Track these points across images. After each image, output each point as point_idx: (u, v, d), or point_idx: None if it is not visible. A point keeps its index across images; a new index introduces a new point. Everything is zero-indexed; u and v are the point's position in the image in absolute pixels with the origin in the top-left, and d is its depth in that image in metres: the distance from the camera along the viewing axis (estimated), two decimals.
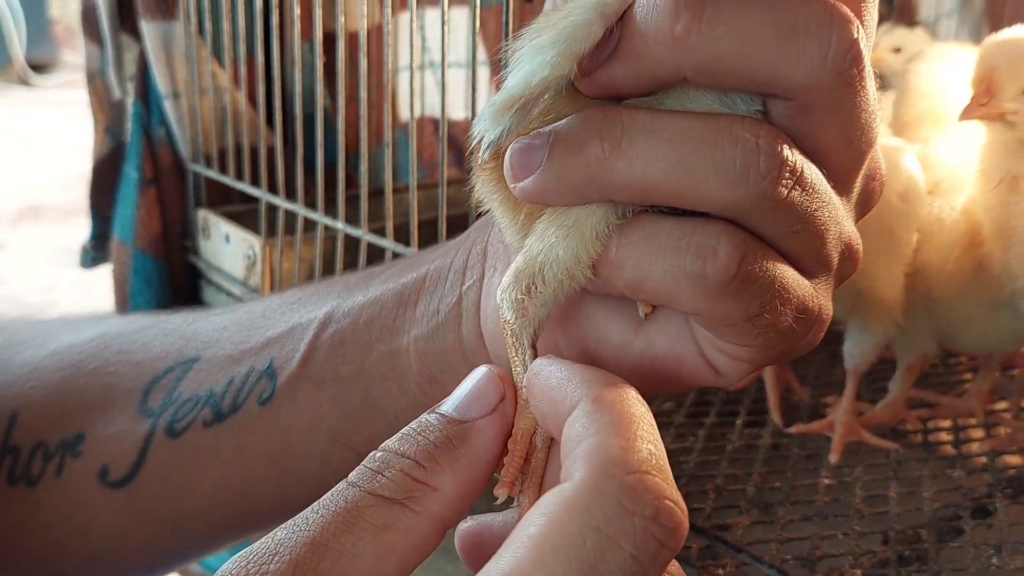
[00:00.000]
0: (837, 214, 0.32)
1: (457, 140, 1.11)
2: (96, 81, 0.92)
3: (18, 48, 6.27)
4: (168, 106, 0.89)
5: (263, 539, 0.29)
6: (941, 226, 0.60)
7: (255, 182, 0.83)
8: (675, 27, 0.29)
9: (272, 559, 0.28)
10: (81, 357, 0.52)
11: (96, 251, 0.95)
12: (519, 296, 0.33)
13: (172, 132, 0.90)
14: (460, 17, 1.04)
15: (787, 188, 0.30)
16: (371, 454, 0.31)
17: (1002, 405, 0.71)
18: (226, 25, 0.85)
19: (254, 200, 0.90)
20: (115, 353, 0.52)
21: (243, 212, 0.89)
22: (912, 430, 0.67)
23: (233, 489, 0.49)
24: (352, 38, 0.92)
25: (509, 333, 0.33)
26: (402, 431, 0.31)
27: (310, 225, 0.80)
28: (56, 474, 0.51)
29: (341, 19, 0.75)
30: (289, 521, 0.29)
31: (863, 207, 0.35)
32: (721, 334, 0.32)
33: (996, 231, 0.59)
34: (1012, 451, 0.65)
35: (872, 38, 0.32)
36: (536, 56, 0.30)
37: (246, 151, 0.87)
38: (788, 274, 0.31)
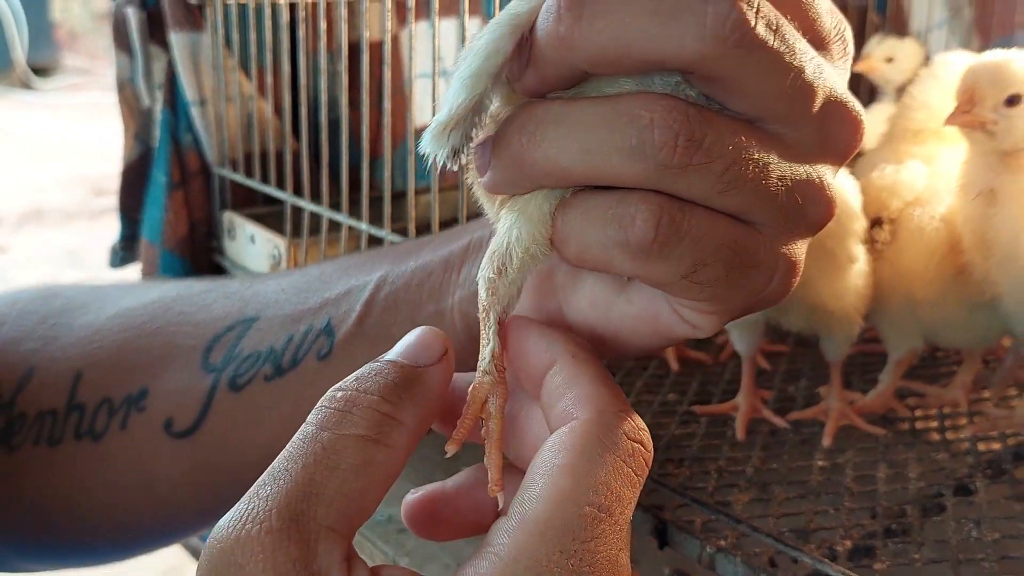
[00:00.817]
0: (774, 167, 0.33)
1: None
2: (126, 90, 0.96)
3: (20, 51, 6.31)
4: (195, 113, 0.94)
5: (248, 498, 0.32)
6: (922, 234, 0.65)
7: (280, 185, 0.88)
8: (559, 29, 0.31)
9: (270, 516, 0.31)
10: (143, 319, 0.56)
11: (125, 252, 1.00)
12: (491, 275, 0.36)
13: (199, 138, 0.95)
14: (474, 27, 1.08)
15: (688, 155, 0.31)
16: (329, 395, 0.34)
17: (985, 394, 0.76)
18: (252, 36, 0.90)
19: (277, 203, 0.95)
20: (176, 314, 0.56)
21: (267, 214, 0.94)
22: (900, 417, 0.72)
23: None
24: (374, 48, 0.97)
25: (481, 309, 0.37)
26: (355, 374, 0.35)
27: (334, 227, 0.84)
28: (121, 427, 0.54)
29: (366, 33, 0.79)
30: (266, 475, 0.32)
31: (836, 152, 0.35)
32: (668, 292, 0.35)
33: (976, 242, 0.64)
34: (993, 436, 0.70)
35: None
36: (457, 81, 0.34)
37: (272, 156, 0.92)
38: (724, 230, 0.33)
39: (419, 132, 1.09)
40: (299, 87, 0.91)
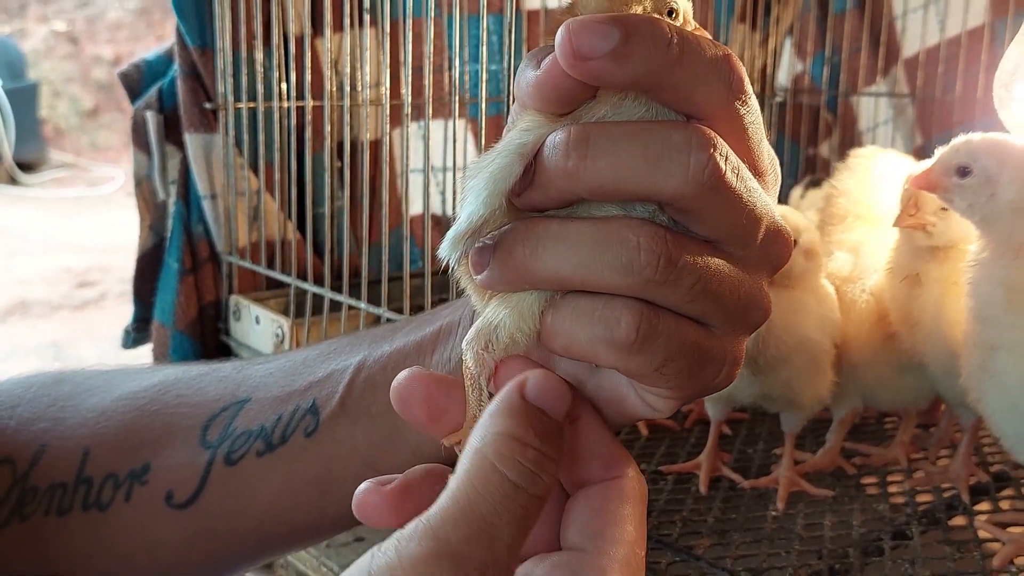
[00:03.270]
0: (730, 280, 0.39)
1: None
2: (143, 185, 1.05)
3: (6, 147, 6.42)
4: (206, 206, 1.03)
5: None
6: (854, 306, 0.75)
7: (285, 270, 0.97)
8: (567, 164, 0.37)
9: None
10: (145, 401, 0.62)
11: (137, 333, 1.07)
12: (479, 350, 0.42)
13: (209, 228, 1.04)
14: (461, 128, 1.19)
15: (666, 272, 0.37)
16: (520, 447, 0.36)
17: (921, 455, 0.84)
18: (261, 137, 1.00)
19: (281, 287, 1.03)
20: (175, 397, 0.62)
21: (270, 297, 1.02)
22: (847, 474, 0.80)
23: (281, 509, 0.59)
24: (371, 146, 1.07)
25: (468, 375, 0.43)
26: (532, 423, 0.37)
27: (335, 307, 0.93)
28: (125, 499, 0.60)
29: (365, 133, 0.89)
30: (480, 532, 0.34)
31: (772, 266, 0.43)
32: (639, 382, 0.42)
33: (902, 318, 0.74)
34: (928, 490, 0.78)
35: (758, 131, 0.41)
36: (475, 198, 0.40)
37: (277, 245, 1.01)
38: (687, 331, 0.39)
39: (412, 221, 1.19)
40: (304, 182, 1.00)
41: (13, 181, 6.42)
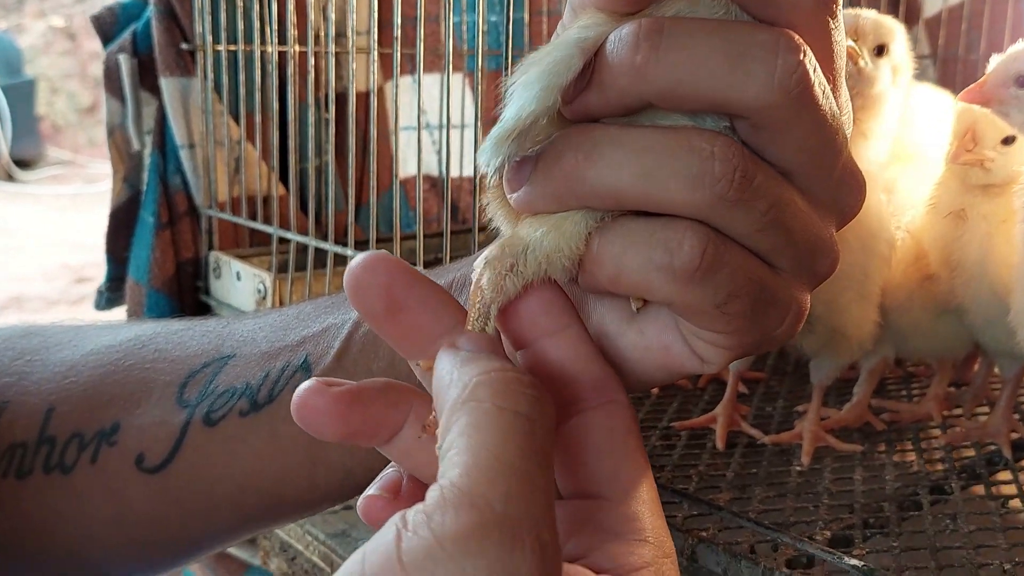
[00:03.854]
0: (802, 217, 0.35)
1: (452, 196, 1.19)
2: (116, 134, 0.99)
3: (3, 144, 6.37)
4: (184, 156, 0.96)
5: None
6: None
7: (267, 221, 0.90)
8: (635, 58, 0.32)
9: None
10: (118, 356, 0.56)
11: (111, 293, 1.01)
12: (501, 271, 0.36)
13: (187, 180, 0.97)
14: (457, 83, 1.13)
15: (741, 190, 0.33)
16: (513, 377, 0.31)
17: (956, 412, 0.78)
18: (242, 82, 0.93)
19: (263, 244, 0.97)
20: (152, 351, 0.56)
21: (253, 255, 0.96)
22: (876, 431, 0.73)
23: (265, 477, 0.53)
24: (360, 99, 1.00)
25: (479, 299, 0.36)
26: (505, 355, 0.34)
27: (320, 262, 0.86)
28: (91, 461, 0.54)
29: (353, 84, 0.82)
30: (517, 483, 0.28)
31: (842, 214, 0.38)
32: (696, 321, 0.36)
33: (943, 260, 0.67)
34: (965, 446, 0.71)
35: (842, 59, 0.36)
36: (525, 91, 0.34)
37: (260, 200, 0.94)
38: (754, 267, 0.35)
39: (404, 183, 1.12)
40: (287, 134, 0.93)
41: (10, 178, 6.37)
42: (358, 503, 0.37)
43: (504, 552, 0.26)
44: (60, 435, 0.55)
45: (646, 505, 0.35)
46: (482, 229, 1.07)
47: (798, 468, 0.67)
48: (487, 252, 0.37)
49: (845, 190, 0.37)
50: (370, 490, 0.37)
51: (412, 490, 0.37)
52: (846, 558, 0.53)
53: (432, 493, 0.28)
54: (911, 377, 0.87)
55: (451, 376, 0.32)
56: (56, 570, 0.57)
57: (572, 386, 0.36)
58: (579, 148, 0.34)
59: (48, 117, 7.04)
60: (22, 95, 6.54)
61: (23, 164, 6.49)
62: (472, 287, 0.37)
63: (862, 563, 0.52)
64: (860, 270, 0.66)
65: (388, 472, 0.38)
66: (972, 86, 0.62)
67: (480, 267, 0.37)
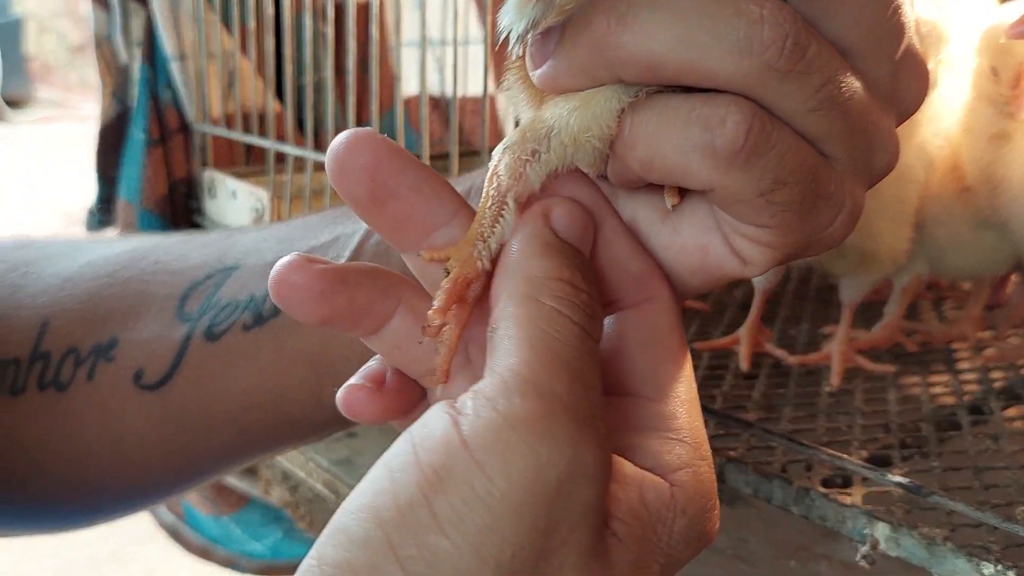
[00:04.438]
0: (860, 100, 0.31)
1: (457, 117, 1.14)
2: (103, 46, 0.94)
3: None
4: (175, 68, 0.91)
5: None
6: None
7: (263, 135, 0.86)
8: None
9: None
10: (116, 267, 0.53)
11: (102, 214, 0.97)
12: (523, 157, 0.32)
13: (178, 94, 0.92)
14: None
15: (793, 59, 0.29)
16: (572, 290, 0.30)
17: (990, 333, 0.74)
18: None
19: (259, 163, 0.92)
20: (151, 263, 0.53)
21: (248, 173, 0.91)
22: (907, 353, 0.70)
23: (269, 393, 0.49)
24: (360, 10, 0.95)
25: (494, 186, 0.33)
26: (574, 265, 0.31)
27: (319, 181, 0.82)
28: (87, 378, 0.51)
29: None
30: (575, 379, 0.28)
31: (902, 106, 0.34)
32: (738, 213, 0.32)
33: (983, 179, 0.62)
34: (1002, 367, 0.68)
35: None
36: None
37: (254, 116, 0.90)
38: (804, 151, 0.31)
39: (407, 102, 1.07)
40: (283, 48, 0.88)
41: (0, 119, 6.28)
42: (338, 394, 0.35)
43: (571, 438, 0.26)
44: (55, 351, 0.51)
45: (684, 405, 0.32)
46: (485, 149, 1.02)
47: (828, 389, 0.64)
48: (506, 138, 0.33)
49: (907, 77, 0.33)
50: (352, 380, 0.35)
51: (397, 384, 0.35)
52: (890, 475, 0.49)
53: (491, 380, 0.27)
54: (941, 300, 0.83)
55: (517, 263, 0.31)
56: (49, 494, 0.53)
57: (612, 282, 0.34)
58: (612, 10, 0.30)
59: (38, 57, 6.91)
60: (10, 34, 6.42)
61: (13, 104, 6.39)
62: (488, 172, 0.33)
63: (908, 480, 0.48)
64: (895, 196, 0.61)
65: (371, 364, 0.36)
66: (1019, 20, 0.57)
67: (498, 152, 0.33)
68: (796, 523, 0.69)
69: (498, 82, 0.86)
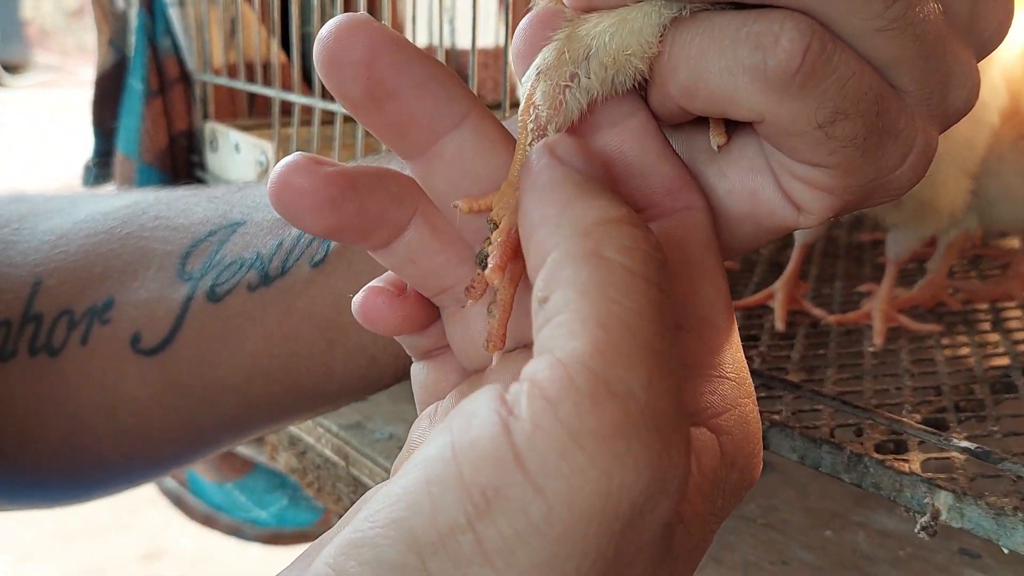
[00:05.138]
0: (936, 22, 0.28)
1: (462, 69, 1.10)
2: None
3: None
4: (174, 15, 0.87)
5: None
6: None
7: (268, 85, 0.82)
8: None
9: None
10: (114, 223, 0.49)
11: (99, 168, 0.93)
12: (560, 83, 0.29)
13: (178, 42, 0.88)
14: None
15: None
16: (630, 229, 0.25)
17: None
18: None
19: (263, 115, 0.88)
20: (151, 218, 0.49)
21: (252, 125, 0.87)
22: (951, 311, 0.66)
23: (275, 359, 0.46)
24: None
25: (531, 118, 0.29)
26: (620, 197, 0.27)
27: (327, 132, 0.78)
28: (82, 342, 0.47)
29: None
30: (653, 369, 0.23)
31: (979, 41, 0.30)
32: (792, 149, 0.29)
33: None
34: None
35: None
36: None
37: (258, 66, 0.85)
38: (869, 78, 0.27)
39: None
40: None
41: None
42: (354, 300, 0.31)
43: (652, 454, 0.21)
44: (47, 312, 0.48)
45: (725, 335, 0.28)
46: (495, 107, 0.98)
47: (871, 349, 0.60)
48: (537, 61, 0.29)
49: (988, 6, 0.29)
50: (373, 283, 0.31)
51: (418, 295, 0.31)
52: (954, 439, 0.45)
53: (549, 370, 0.22)
54: (979, 259, 0.79)
55: (555, 208, 0.25)
56: (43, 467, 0.50)
57: (638, 188, 0.30)
58: None
59: (35, 21, 6.83)
60: None
61: (10, 69, 6.32)
62: (522, 104, 0.29)
63: (974, 445, 0.45)
64: (966, 143, 0.57)
65: (390, 273, 0.32)
66: None
67: (531, 79, 0.29)
68: (828, 490, 0.66)
69: (511, 33, 0.81)
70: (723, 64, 0.27)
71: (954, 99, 0.29)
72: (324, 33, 0.27)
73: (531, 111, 0.29)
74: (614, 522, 0.21)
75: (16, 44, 6.45)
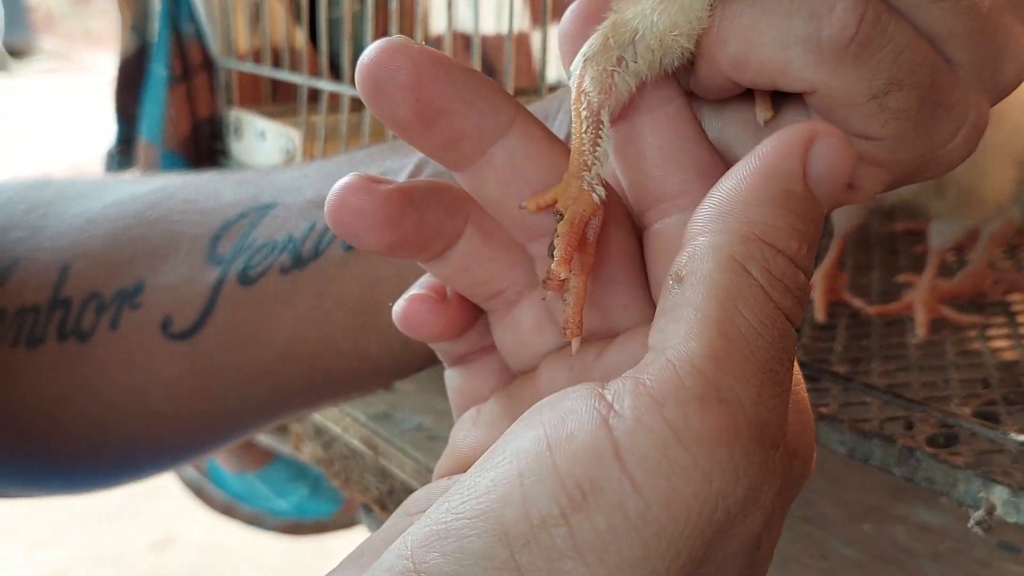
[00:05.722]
0: None
1: (488, 56, 1.09)
2: None
3: None
4: (198, 0, 0.86)
5: None
6: None
7: (295, 70, 0.81)
8: None
9: None
10: (143, 207, 0.49)
11: (122, 155, 0.92)
12: (608, 67, 0.29)
13: (202, 28, 0.87)
14: None
15: None
16: (788, 265, 0.24)
17: None
18: None
19: (288, 101, 0.87)
20: (181, 202, 0.48)
21: (277, 112, 0.86)
22: (992, 302, 0.65)
23: (308, 342, 0.45)
24: None
25: (584, 106, 0.29)
26: (798, 229, 0.25)
27: (355, 119, 0.77)
28: (111, 327, 0.47)
29: None
30: (763, 384, 0.23)
31: None
32: (844, 120, 0.28)
33: None
34: None
35: None
36: None
37: (284, 51, 0.84)
38: (923, 50, 0.27)
39: (434, 42, 1.01)
40: None
41: (2, 69, 6.21)
42: (394, 308, 0.31)
43: (752, 465, 0.21)
44: (76, 296, 0.47)
45: None
46: (521, 92, 0.97)
47: (915, 341, 0.59)
48: (584, 48, 0.29)
49: None
50: (413, 290, 0.31)
51: (459, 300, 0.31)
52: (1012, 433, 0.45)
53: (658, 370, 0.22)
54: (1015, 248, 0.78)
55: (743, 203, 0.24)
56: (73, 453, 0.49)
57: (674, 173, 0.29)
58: None
59: (41, 7, 6.82)
60: None
61: (15, 55, 6.31)
62: (574, 93, 0.29)
63: None
64: (1015, 130, 0.56)
65: (429, 277, 0.31)
66: None
67: (579, 66, 0.29)
68: (865, 482, 0.66)
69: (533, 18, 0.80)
70: (776, 35, 0.26)
71: (1006, 73, 0.29)
72: (366, 60, 0.26)
73: (583, 98, 0.29)
74: (707, 527, 0.21)
75: (21, 30, 6.44)
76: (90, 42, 6.65)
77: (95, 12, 6.89)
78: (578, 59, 0.29)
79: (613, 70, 0.28)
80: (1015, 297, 0.66)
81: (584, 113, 0.29)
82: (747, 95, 0.30)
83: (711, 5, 0.28)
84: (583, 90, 0.29)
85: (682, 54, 0.28)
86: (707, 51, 0.28)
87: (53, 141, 4.95)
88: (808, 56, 0.26)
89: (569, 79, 0.30)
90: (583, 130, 0.29)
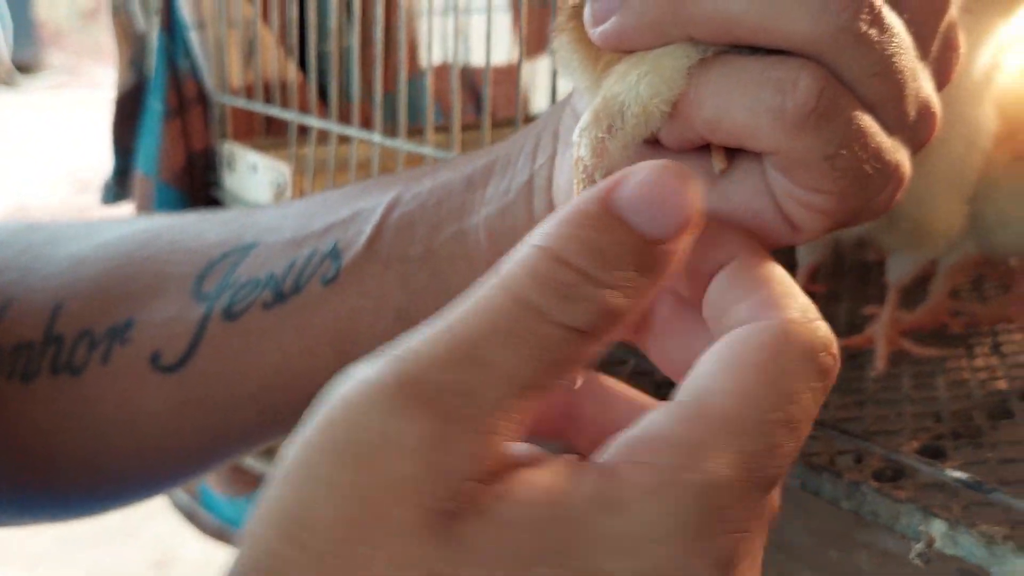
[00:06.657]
0: (914, 66, 0.32)
1: (476, 87, 1.12)
2: (120, 14, 0.92)
3: (3, 50, 6.24)
4: (194, 37, 0.89)
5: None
6: None
7: (285, 106, 0.83)
8: None
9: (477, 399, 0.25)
10: (131, 247, 0.51)
11: (118, 187, 0.95)
12: (599, 135, 0.32)
13: (197, 64, 0.90)
14: None
15: (866, 23, 0.30)
16: (546, 262, 0.26)
17: None
18: None
19: (280, 135, 0.90)
20: (167, 243, 0.51)
21: (269, 145, 0.89)
22: (952, 335, 0.67)
23: (292, 373, 0.48)
24: None
25: (581, 171, 0.33)
26: (585, 240, 0.26)
27: (343, 154, 0.79)
28: (103, 361, 0.49)
29: None
30: (463, 353, 0.26)
31: (940, 76, 0.34)
32: (799, 177, 0.31)
33: None
34: None
35: None
36: None
37: (276, 86, 0.87)
38: (866, 119, 0.31)
39: (438, 71, 1.04)
40: (307, 16, 0.86)
41: (10, 85, 6.25)
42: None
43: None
44: (68, 333, 0.50)
45: (795, 316, 0.30)
46: (509, 123, 1.00)
47: (873, 374, 0.61)
48: (580, 122, 0.33)
49: (949, 48, 0.34)
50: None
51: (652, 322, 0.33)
52: (948, 470, 0.47)
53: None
54: (981, 280, 0.80)
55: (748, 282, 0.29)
56: (67, 482, 0.52)
57: None
58: None
59: (49, 22, 6.86)
60: None
61: (23, 70, 6.36)
62: (573, 161, 0.33)
63: (967, 475, 0.46)
64: (960, 165, 0.58)
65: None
66: None
67: (577, 139, 0.33)
68: (834, 511, 0.67)
69: (522, 51, 0.83)
70: (747, 104, 0.30)
71: (924, 128, 0.33)
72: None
73: (579, 164, 0.33)
74: None
75: (29, 45, 6.48)
76: (99, 57, 6.71)
77: (103, 27, 6.95)
78: (576, 131, 0.33)
79: (604, 137, 0.32)
80: (976, 329, 0.69)
81: (582, 176, 0.33)
82: (702, 150, 0.34)
83: (688, 71, 0.31)
84: (579, 156, 0.33)
85: (661, 116, 0.32)
86: (684, 112, 0.31)
87: (62, 156, 4.98)
88: (775, 124, 0.30)
89: (573, 152, 0.33)
90: (581, 190, 0.33)
